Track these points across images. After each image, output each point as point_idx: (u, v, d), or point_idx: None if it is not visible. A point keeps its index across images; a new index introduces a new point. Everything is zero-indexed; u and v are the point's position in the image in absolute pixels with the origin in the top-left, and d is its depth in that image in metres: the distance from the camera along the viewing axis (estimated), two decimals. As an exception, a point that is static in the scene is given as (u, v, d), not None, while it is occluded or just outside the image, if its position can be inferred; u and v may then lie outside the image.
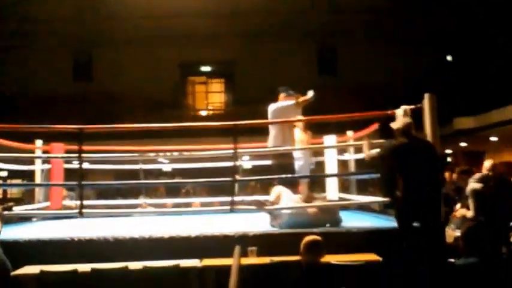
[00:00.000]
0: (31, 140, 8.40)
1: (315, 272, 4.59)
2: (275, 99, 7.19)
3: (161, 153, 7.00)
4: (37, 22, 17.58)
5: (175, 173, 14.90)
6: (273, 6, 17.89)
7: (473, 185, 6.30)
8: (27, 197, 8.68)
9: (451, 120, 15.79)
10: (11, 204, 8.27)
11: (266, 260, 4.96)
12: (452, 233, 6.08)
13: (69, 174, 7.99)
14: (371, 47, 17.99)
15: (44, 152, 8.34)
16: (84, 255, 5.26)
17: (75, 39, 18.24)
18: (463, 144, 17.66)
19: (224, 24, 17.86)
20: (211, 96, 19.75)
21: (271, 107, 7.00)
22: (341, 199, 8.13)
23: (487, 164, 6.80)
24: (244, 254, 5.08)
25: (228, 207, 6.12)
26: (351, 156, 8.42)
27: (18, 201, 8.83)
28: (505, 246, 5.73)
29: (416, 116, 5.83)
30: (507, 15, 15.78)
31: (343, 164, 8.77)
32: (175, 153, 6.64)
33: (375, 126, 7.65)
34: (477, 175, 6.51)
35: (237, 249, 4.84)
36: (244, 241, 5.32)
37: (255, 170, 9.52)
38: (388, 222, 6.10)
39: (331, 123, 9.91)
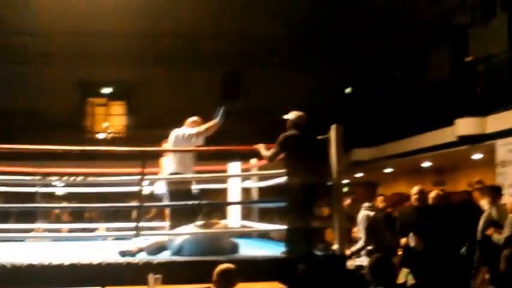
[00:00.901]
0: None
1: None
2: (181, 123, 7.12)
3: (65, 177, 6.69)
4: None
5: (71, 197, 14.28)
6: (180, 30, 17.88)
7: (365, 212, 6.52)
8: None
9: (349, 151, 16.24)
10: None
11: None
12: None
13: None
14: (276, 74, 18.29)
15: None
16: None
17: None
18: (359, 174, 18.20)
19: (126, 45, 17.61)
20: (111, 119, 19.28)
21: (174, 133, 6.90)
22: (243, 226, 8.07)
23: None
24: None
25: (132, 233, 5.95)
26: (254, 184, 8.41)
27: None
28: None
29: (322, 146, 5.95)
30: (403, 48, 16.57)
31: (245, 191, 8.74)
32: (80, 177, 6.37)
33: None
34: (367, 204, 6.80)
35: (151, 278, 4.75)
36: (149, 269, 5.14)
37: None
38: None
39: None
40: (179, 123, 7.13)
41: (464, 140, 12.23)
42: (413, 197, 7.24)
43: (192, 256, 5.70)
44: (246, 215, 8.58)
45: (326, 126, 6.09)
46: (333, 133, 5.97)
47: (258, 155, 8.43)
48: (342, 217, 5.86)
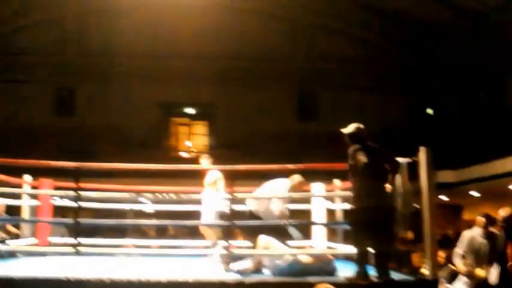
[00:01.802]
0: (10, 173, 8.20)
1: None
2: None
3: (159, 194, 6.92)
4: (22, 55, 17.56)
5: (157, 214, 14.61)
6: (260, 52, 18.19)
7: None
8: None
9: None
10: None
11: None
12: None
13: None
14: (354, 95, 18.23)
15: (33, 187, 8.15)
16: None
17: (59, 74, 18.16)
18: (443, 197, 17.73)
19: (209, 66, 18.02)
20: (193, 138, 19.66)
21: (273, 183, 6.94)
22: (329, 248, 8.02)
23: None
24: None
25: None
26: (338, 205, 8.35)
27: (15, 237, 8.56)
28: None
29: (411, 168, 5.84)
30: (488, 68, 16.13)
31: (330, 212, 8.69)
32: (167, 195, 6.57)
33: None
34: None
35: None
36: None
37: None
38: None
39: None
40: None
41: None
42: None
43: (291, 276, 5.73)
44: (330, 236, 8.53)
45: (407, 148, 6.01)
46: (422, 156, 5.86)
47: (340, 175, 8.45)
48: (433, 241, 5.71)
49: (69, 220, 6.88)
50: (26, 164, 6.40)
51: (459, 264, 7.23)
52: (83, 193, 6.13)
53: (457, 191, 16.50)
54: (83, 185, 7.14)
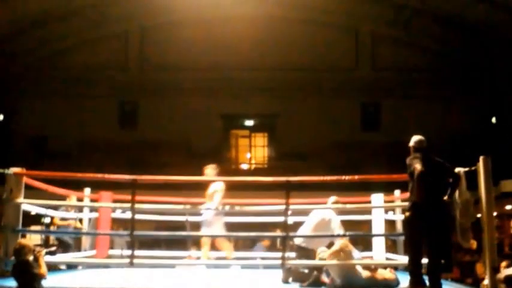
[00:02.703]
0: (72, 186, 8.47)
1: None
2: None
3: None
4: (87, 70, 18.13)
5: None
6: (320, 63, 18.20)
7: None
8: (76, 244, 8.70)
9: (498, 183, 15.40)
10: (53, 248, 8.31)
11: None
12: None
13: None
14: (416, 105, 17.98)
15: (92, 200, 8.41)
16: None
17: (122, 88, 18.65)
18: (509, 207, 17.20)
19: (268, 78, 18.12)
20: (254, 150, 19.80)
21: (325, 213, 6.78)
22: (388, 259, 7.90)
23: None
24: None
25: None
26: (398, 216, 8.23)
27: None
28: None
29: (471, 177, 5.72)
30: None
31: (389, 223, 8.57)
32: (231, 207, 6.70)
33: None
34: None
35: None
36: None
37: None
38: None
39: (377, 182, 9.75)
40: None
41: None
42: None
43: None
44: (390, 247, 8.41)
45: (472, 157, 5.90)
46: (481, 165, 5.77)
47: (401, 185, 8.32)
48: (493, 251, 5.58)
49: (123, 232, 7.05)
50: (82, 178, 6.56)
51: None
52: (138, 205, 6.22)
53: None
54: (143, 197, 7.35)
